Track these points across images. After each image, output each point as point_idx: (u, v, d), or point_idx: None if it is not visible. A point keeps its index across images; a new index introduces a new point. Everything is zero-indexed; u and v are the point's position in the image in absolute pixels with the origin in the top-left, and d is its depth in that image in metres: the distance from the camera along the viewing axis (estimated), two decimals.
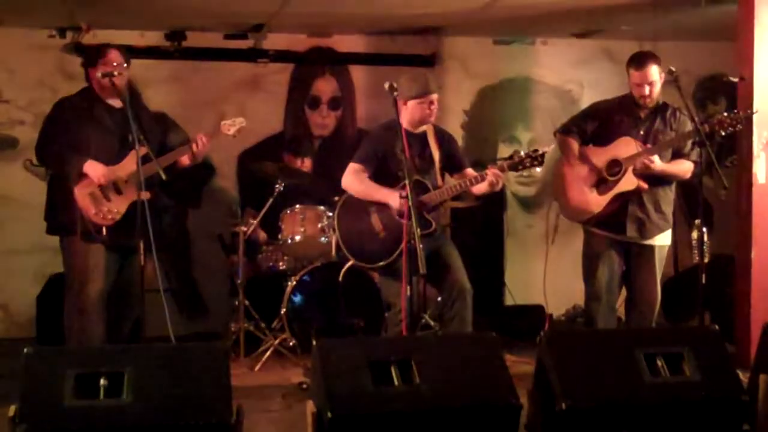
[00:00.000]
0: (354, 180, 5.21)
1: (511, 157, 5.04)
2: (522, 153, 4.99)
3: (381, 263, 5.14)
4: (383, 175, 5.15)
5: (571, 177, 5.44)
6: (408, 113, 5.15)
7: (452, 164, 5.34)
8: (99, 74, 4.94)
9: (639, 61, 5.26)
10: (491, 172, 4.97)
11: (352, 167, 5.24)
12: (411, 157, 5.15)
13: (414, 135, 5.22)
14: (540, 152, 4.95)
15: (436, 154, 5.24)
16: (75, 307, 5.05)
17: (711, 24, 6.46)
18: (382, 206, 5.12)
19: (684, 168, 5.30)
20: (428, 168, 5.22)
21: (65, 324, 5.11)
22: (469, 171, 5.28)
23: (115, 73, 4.92)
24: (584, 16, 6.53)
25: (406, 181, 4.55)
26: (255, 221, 6.17)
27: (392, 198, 4.99)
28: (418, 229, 4.42)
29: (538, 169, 5.02)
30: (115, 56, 5.05)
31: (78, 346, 4.85)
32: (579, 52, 7.59)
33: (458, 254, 5.26)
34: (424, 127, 5.25)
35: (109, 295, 5.10)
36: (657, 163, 5.17)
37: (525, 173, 6.45)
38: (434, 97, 5.16)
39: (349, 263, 5.73)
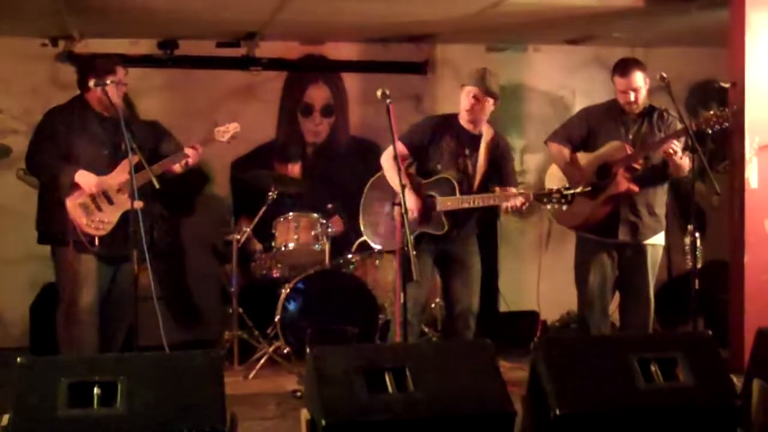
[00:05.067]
0: (392, 163, 5.03)
1: (541, 188, 5.13)
2: (554, 188, 4.97)
3: (393, 249, 5.14)
4: (420, 163, 5.18)
5: (563, 183, 5.44)
6: (461, 98, 5.20)
7: (497, 177, 5.26)
8: (116, 93, 4.92)
9: (623, 68, 5.26)
10: (521, 199, 4.95)
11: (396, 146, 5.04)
12: (456, 156, 5.16)
13: (469, 135, 5.21)
14: (571, 192, 4.91)
15: (482, 160, 5.21)
16: (68, 317, 5.04)
17: (702, 30, 6.47)
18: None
19: (685, 162, 5.26)
20: (469, 171, 5.20)
21: (58, 333, 5.10)
22: (512, 190, 5.14)
23: (125, 89, 4.96)
24: (576, 23, 6.54)
25: (402, 185, 4.55)
26: (248, 229, 6.17)
27: (411, 202, 4.92)
28: (412, 237, 4.41)
29: (564, 207, 4.99)
30: (122, 74, 5.06)
31: (71, 355, 4.83)
32: (571, 59, 7.60)
33: (479, 270, 5.23)
34: (483, 130, 5.22)
35: (102, 303, 5.10)
36: (679, 152, 5.08)
37: (521, 183, 6.41)
38: (479, 94, 5.10)
39: (350, 259, 5.74)
